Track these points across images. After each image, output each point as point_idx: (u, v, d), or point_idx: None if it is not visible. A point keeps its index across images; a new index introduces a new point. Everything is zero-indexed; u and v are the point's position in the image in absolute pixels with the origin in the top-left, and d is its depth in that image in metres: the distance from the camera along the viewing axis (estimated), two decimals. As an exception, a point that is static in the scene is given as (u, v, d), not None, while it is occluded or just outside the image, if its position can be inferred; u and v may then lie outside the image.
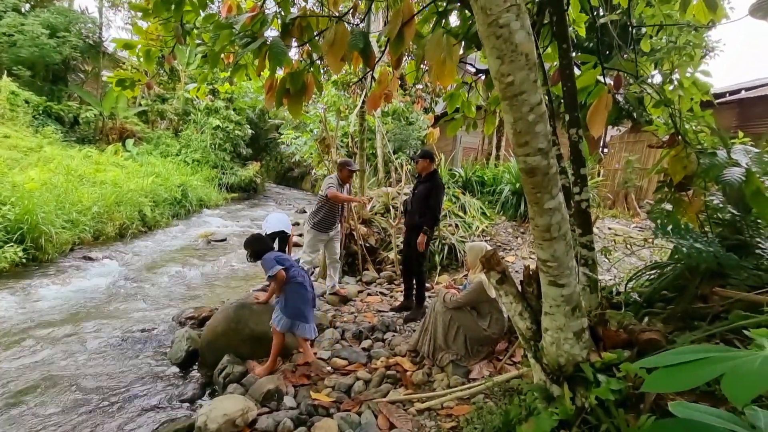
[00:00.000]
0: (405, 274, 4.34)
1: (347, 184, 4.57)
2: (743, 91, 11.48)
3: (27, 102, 11.63)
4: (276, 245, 5.56)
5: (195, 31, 3.30)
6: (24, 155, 9.23)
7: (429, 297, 4.62)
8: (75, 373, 3.25)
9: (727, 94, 11.20)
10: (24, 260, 5.69)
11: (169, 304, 4.89)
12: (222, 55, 2.99)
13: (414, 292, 4.22)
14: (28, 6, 13.84)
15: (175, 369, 3.40)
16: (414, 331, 3.73)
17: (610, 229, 6.99)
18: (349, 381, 2.92)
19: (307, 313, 3.17)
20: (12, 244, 5.65)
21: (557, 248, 1.63)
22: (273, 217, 5.47)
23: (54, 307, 4.51)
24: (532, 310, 1.98)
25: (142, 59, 3.28)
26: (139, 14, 2.93)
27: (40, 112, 12.16)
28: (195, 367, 3.44)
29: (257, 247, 3.29)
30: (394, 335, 3.71)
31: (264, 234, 5.35)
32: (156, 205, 9.66)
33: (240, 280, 6.01)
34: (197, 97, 3.99)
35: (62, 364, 3.37)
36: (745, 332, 1.62)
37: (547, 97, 2.51)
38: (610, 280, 4.30)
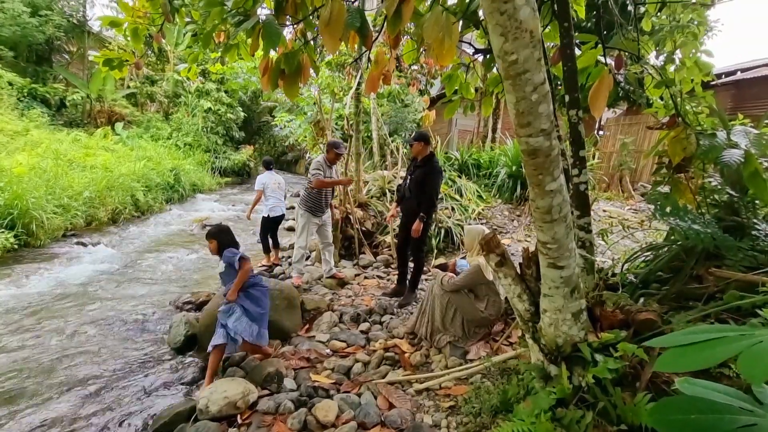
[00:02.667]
0: (400, 259, 4.33)
1: (335, 165, 4.53)
2: (739, 72, 11.45)
3: (11, 84, 11.28)
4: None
5: (183, 9, 3.19)
6: (10, 139, 9.01)
7: (425, 281, 4.65)
8: (72, 360, 3.24)
9: (723, 75, 11.17)
10: (16, 246, 5.62)
11: (165, 289, 4.87)
12: (213, 34, 2.90)
13: (408, 277, 4.23)
14: (7, -17, 13.29)
15: (174, 353, 3.41)
16: (411, 314, 3.76)
17: (604, 211, 7.03)
18: (348, 363, 2.95)
19: (267, 318, 3.00)
20: (3, 230, 5.57)
21: (558, 230, 1.63)
22: (274, 199, 5.36)
23: (48, 294, 4.48)
24: (531, 291, 1.99)
25: (129, 38, 3.18)
26: (126, -10, 2.81)
27: (25, 94, 11.83)
28: (194, 351, 3.46)
29: (224, 238, 3.00)
30: (391, 318, 3.74)
31: (267, 216, 5.29)
32: (148, 189, 9.55)
33: (236, 265, 6.00)
34: (188, 78, 3.88)
35: (59, 351, 3.37)
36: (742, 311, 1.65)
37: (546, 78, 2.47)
38: (605, 261, 4.35)
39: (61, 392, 2.84)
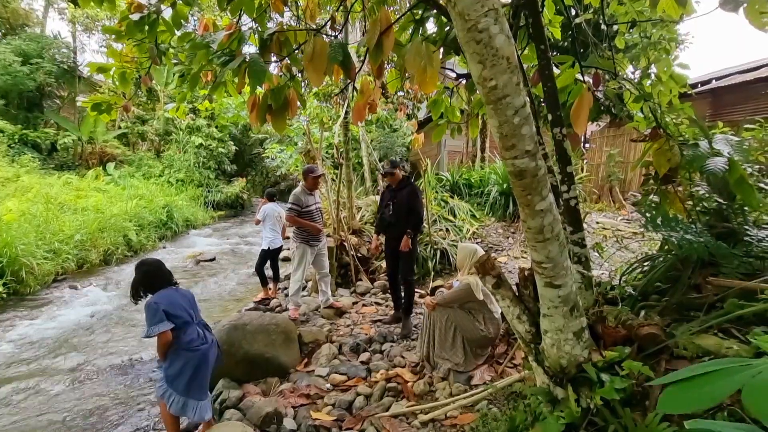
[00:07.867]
0: (392, 285, 4.28)
1: (316, 191, 4.50)
2: (714, 81, 11.85)
3: (1, 131, 11.33)
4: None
5: (171, 50, 3.25)
6: (1, 186, 8.96)
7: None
8: (62, 409, 3.11)
9: (699, 85, 11.54)
10: (5, 295, 5.49)
11: (159, 329, 4.74)
12: (200, 75, 2.95)
13: (402, 303, 4.16)
14: (-2, 34, 13.59)
15: (169, 398, 3.28)
16: (413, 340, 3.69)
17: (597, 223, 7.07)
18: (350, 397, 2.86)
19: (206, 385, 2.49)
20: (-9, 279, 5.46)
21: (551, 249, 1.62)
22: (274, 232, 5.19)
23: (37, 342, 4.33)
24: (530, 312, 1.96)
25: (117, 82, 3.22)
26: (113, 37, 2.87)
27: (16, 140, 11.84)
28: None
29: (142, 278, 2.39)
30: (392, 345, 3.66)
31: (267, 249, 5.11)
32: (141, 228, 9.46)
33: (231, 300, 5.89)
34: (178, 116, 3.91)
35: (48, 401, 3.23)
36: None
37: (528, 98, 2.53)
38: (602, 273, 4.33)
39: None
